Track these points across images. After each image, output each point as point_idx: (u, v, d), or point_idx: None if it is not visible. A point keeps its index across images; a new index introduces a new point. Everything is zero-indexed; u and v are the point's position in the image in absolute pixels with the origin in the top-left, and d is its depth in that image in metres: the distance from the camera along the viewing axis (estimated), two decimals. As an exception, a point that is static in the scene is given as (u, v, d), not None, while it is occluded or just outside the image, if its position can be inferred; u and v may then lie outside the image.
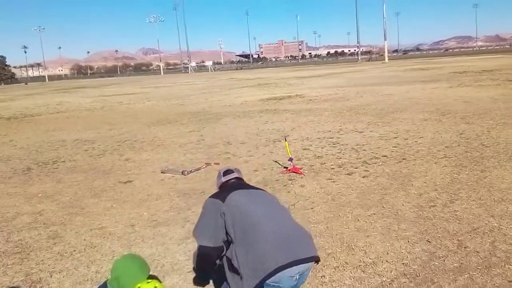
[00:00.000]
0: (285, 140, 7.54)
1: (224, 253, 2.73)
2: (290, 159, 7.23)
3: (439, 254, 3.98)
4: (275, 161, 7.97)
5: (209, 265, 2.80)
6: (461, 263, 3.79)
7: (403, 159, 7.53)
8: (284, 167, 7.44)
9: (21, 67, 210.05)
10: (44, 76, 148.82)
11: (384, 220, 4.88)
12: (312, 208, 5.46)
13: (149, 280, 2.70)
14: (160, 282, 2.79)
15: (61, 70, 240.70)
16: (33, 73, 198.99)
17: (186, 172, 7.58)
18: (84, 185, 7.53)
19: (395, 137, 9.40)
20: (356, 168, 7.17)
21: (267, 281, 2.44)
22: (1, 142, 13.00)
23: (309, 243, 2.70)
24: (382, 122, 11.56)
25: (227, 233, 2.68)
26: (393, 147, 8.51)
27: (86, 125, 15.73)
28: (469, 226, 4.55)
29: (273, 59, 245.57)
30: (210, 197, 2.95)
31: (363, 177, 6.64)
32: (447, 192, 5.65)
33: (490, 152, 7.48)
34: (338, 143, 9.29)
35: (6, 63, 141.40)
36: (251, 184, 3.45)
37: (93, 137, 12.85)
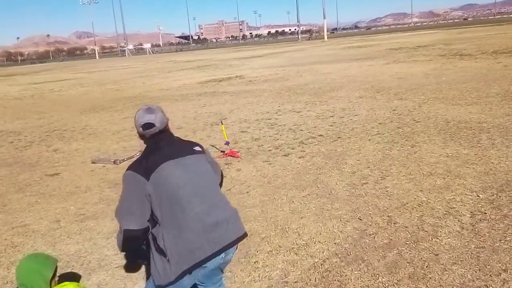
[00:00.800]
0: (221, 124, 7.37)
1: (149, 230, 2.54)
2: (227, 143, 7.09)
3: (370, 231, 4.03)
4: (213, 145, 7.80)
5: (136, 247, 2.58)
6: (390, 239, 3.86)
7: (338, 137, 7.61)
8: (221, 151, 7.30)
9: None
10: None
11: (318, 200, 4.89)
12: (247, 192, 5.37)
13: (65, 283, 2.49)
14: (78, 284, 2.58)
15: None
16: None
17: (118, 161, 7.24)
18: (7, 180, 7.01)
19: (332, 116, 9.51)
20: (292, 149, 7.16)
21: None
22: None
23: (236, 223, 2.60)
24: (320, 101, 11.67)
25: (152, 212, 2.46)
26: (329, 126, 8.60)
27: (13, 115, 14.72)
28: (399, 201, 4.65)
29: (214, 40, 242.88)
30: (131, 169, 2.42)
31: (299, 157, 6.64)
32: (379, 168, 5.77)
33: (421, 127, 7.73)
34: (276, 124, 9.26)
35: None
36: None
37: (20, 127, 12.04)
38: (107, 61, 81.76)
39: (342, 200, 4.83)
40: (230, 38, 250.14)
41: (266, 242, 4.04)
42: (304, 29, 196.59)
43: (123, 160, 7.27)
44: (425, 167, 5.66)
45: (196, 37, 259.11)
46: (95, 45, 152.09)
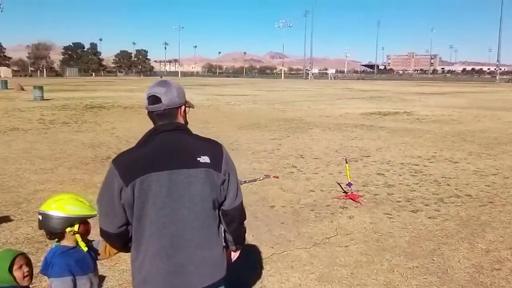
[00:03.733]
0: (346, 163, 6.77)
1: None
2: (349, 184, 6.46)
3: None
4: (339, 183, 7.23)
5: (119, 248, 2.22)
6: None
7: (490, 202, 6.26)
8: (344, 192, 6.69)
9: (160, 61, 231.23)
10: (177, 72, 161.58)
11: (424, 278, 3.98)
12: (347, 246, 4.71)
13: (61, 195, 2.44)
14: (76, 195, 2.47)
15: (194, 68, 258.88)
16: (170, 68, 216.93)
17: (240, 182, 7.24)
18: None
19: (494, 174, 7.96)
20: (426, 205, 6.13)
21: None
22: (103, 129, 14.05)
23: (211, 268, 2.08)
24: (487, 154, 9.95)
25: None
26: (485, 185, 7.18)
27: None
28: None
29: (400, 72, 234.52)
30: (116, 163, 2.02)
31: (429, 217, 5.62)
32: (527, 255, 4.47)
33: None
34: (421, 172, 8.15)
35: (147, 57, 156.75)
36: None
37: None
38: (289, 82, 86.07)
39: (456, 285, 3.83)
40: (418, 71, 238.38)
41: (335, 314, 3.40)
42: (506, 69, 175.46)
43: (245, 182, 7.25)
44: None
45: (382, 67, 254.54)
46: (283, 65, 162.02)
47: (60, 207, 2.30)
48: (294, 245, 4.69)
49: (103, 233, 2.09)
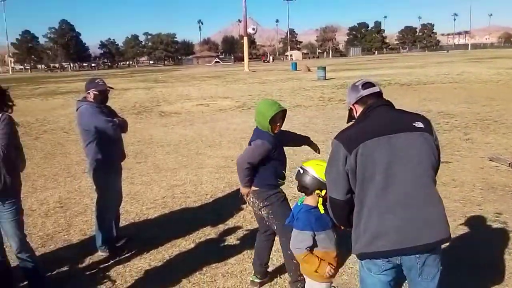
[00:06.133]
0: None
1: None
2: None
3: None
4: None
5: (342, 219, 2.43)
6: None
7: None
8: None
9: (448, 35, 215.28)
10: (467, 44, 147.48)
11: None
12: None
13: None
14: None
15: (488, 39, 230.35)
16: (459, 41, 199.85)
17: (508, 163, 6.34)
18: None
19: None
20: None
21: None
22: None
23: (439, 225, 2.17)
24: None
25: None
26: None
27: (464, 98, 15.00)
28: None
29: None
30: (338, 138, 2.28)
31: None
32: None
33: None
34: None
35: (433, 31, 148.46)
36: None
37: (458, 111, 12.25)
38: None
39: None
40: None
41: None
42: None
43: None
44: None
45: None
46: None
47: (319, 171, 2.70)
48: None
49: (332, 201, 2.37)
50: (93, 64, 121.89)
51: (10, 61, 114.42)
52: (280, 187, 3.49)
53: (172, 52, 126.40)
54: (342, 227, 2.63)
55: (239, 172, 3.42)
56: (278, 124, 3.36)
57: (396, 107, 2.36)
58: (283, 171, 3.49)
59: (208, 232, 4.80)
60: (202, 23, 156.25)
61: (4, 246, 3.45)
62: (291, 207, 3.17)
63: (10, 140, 3.08)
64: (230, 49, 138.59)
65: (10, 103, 3.22)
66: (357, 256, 2.29)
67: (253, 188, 3.42)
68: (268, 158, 3.33)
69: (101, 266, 4.15)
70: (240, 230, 4.74)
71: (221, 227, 4.91)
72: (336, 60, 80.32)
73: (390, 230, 2.14)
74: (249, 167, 3.34)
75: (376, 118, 2.26)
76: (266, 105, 3.35)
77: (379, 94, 2.38)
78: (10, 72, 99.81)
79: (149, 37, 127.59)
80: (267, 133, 3.32)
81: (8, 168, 3.12)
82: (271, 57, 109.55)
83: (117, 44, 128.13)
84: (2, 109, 3.15)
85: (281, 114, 3.37)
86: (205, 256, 4.21)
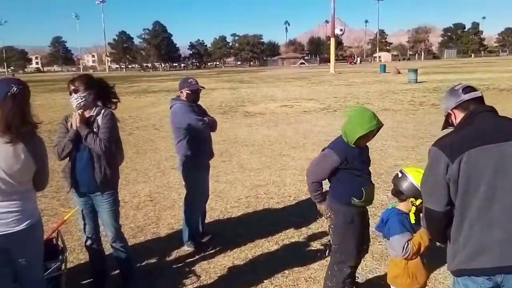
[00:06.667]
0: None
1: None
2: None
3: None
4: None
5: (438, 233, 2.22)
6: None
7: None
8: None
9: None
10: None
11: None
12: None
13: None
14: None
15: None
16: None
17: None
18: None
19: None
20: None
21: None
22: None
23: None
24: None
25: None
26: None
27: None
28: None
29: None
30: (437, 145, 2.11)
31: None
32: None
33: None
34: None
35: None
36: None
37: None
38: None
39: None
40: None
41: None
42: None
43: None
44: None
45: None
46: None
47: (418, 177, 2.54)
48: None
49: (429, 213, 2.18)
50: (182, 64, 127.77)
51: (107, 60, 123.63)
52: (361, 204, 3.04)
53: (258, 53, 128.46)
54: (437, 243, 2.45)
55: (308, 186, 3.15)
56: (369, 139, 3.01)
57: None
58: (363, 189, 2.98)
59: (291, 235, 4.75)
60: (288, 24, 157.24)
61: (100, 235, 3.67)
62: (361, 230, 3.08)
63: (112, 134, 3.26)
64: (315, 50, 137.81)
65: (115, 100, 3.41)
66: (454, 272, 2.12)
67: (327, 196, 3.12)
68: (337, 170, 2.95)
69: (187, 260, 4.27)
70: (325, 235, 4.62)
71: (305, 231, 4.83)
72: (429, 63, 76.40)
73: (494, 245, 1.96)
74: (316, 183, 3.05)
75: (481, 125, 2.08)
76: (365, 117, 2.89)
77: (481, 99, 2.20)
78: (107, 71, 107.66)
79: (236, 38, 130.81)
80: (344, 143, 2.95)
81: (108, 161, 3.31)
82: (358, 59, 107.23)
83: (206, 45, 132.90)
84: (106, 104, 3.35)
85: (376, 131, 3.00)
86: (287, 259, 4.17)
